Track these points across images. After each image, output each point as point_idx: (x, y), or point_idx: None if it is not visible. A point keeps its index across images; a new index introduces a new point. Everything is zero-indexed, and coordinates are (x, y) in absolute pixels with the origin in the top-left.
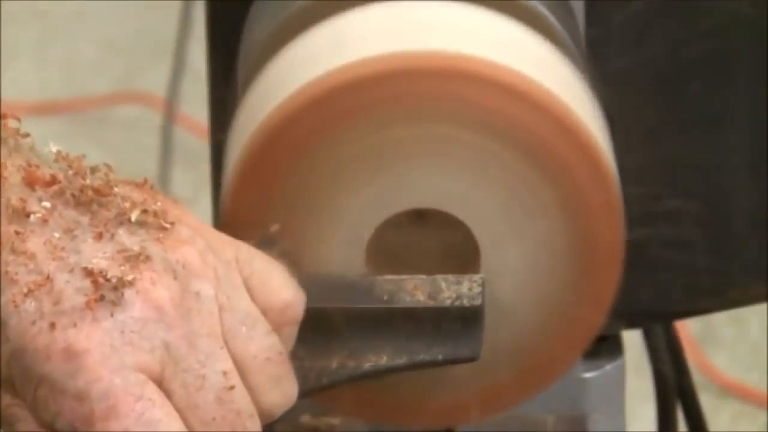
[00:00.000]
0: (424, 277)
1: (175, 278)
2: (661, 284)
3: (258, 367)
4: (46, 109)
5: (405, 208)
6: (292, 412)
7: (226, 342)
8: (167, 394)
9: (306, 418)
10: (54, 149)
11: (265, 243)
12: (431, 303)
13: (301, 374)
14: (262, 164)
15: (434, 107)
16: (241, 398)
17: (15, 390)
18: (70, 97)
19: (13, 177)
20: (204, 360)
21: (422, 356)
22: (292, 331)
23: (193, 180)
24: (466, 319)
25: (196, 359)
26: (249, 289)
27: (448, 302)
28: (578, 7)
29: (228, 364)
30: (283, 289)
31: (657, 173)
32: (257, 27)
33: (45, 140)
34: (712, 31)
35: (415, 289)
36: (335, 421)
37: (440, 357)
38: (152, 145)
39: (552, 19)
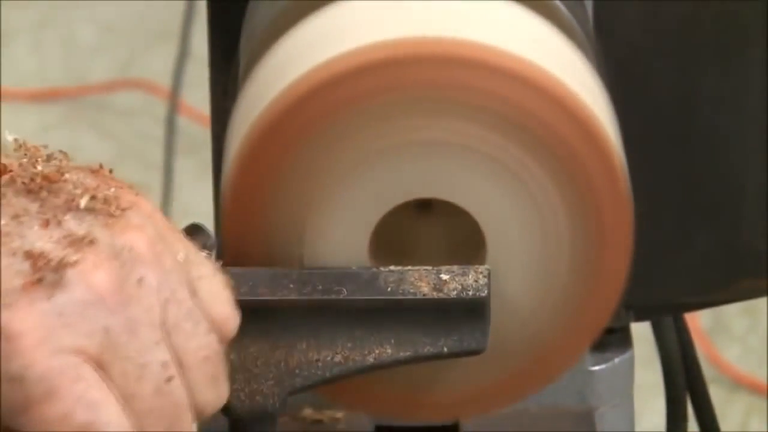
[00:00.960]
0: (429, 268)
1: (120, 264)
2: (670, 276)
3: (197, 365)
4: (47, 96)
5: (410, 198)
6: (294, 406)
7: (168, 335)
8: (105, 381)
9: (309, 412)
10: (11, 138)
11: None
12: (436, 295)
13: (306, 367)
14: (263, 152)
15: (439, 95)
16: (178, 390)
17: None
18: (70, 83)
19: None
20: (143, 349)
21: (427, 349)
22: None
23: (193, 167)
24: (471, 311)
25: (136, 348)
26: (193, 290)
27: (453, 294)
28: None
29: (167, 356)
30: (226, 304)
31: (666, 164)
32: (259, 14)
33: (46, 128)
34: (722, 17)
35: (420, 281)
36: (339, 414)
37: (445, 349)
38: (153, 132)
39: (560, 5)
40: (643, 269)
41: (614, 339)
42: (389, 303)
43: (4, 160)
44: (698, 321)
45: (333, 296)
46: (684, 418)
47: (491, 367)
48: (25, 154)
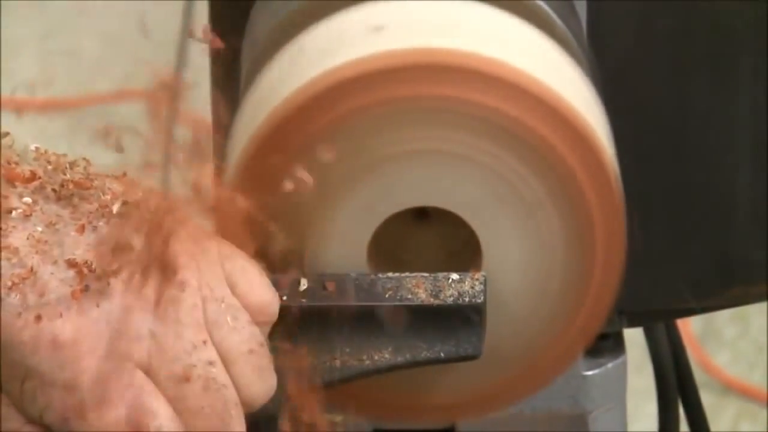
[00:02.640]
0: (426, 275)
1: (159, 268)
2: (662, 282)
3: (242, 358)
4: (50, 107)
5: (407, 206)
6: (294, 410)
7: (210, 333)
8: (155, 383)
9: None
10: (33, 147)
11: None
12: (433, 301)
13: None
14: (263, 162)
15: (436, 105)
16: (226, 388)
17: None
18: (73, 93)
19: None
20: (189, 350)
21: (424, 354)
22: (265, 331)
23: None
24: (468, 317)
25: (182, 349)
26: (230, 284)
27: (450, 300)
28: (580, 5)
29: (213, 354)
30: (264, 288)
31: (658, 173)
32: (259, 26)
33: (48, 137)
34: (713, 26)
35: (417, 287)
36: (337, 418)
37: (442, 354)
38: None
39: (554, 16)
40: (636, 276)
41: (607, 344)
42: (387, 309)
43: (26, 168)
44: (689, 327)
45: (332, 303)
46: (676, 422)
47: (487, 371)
48: (48, 162)
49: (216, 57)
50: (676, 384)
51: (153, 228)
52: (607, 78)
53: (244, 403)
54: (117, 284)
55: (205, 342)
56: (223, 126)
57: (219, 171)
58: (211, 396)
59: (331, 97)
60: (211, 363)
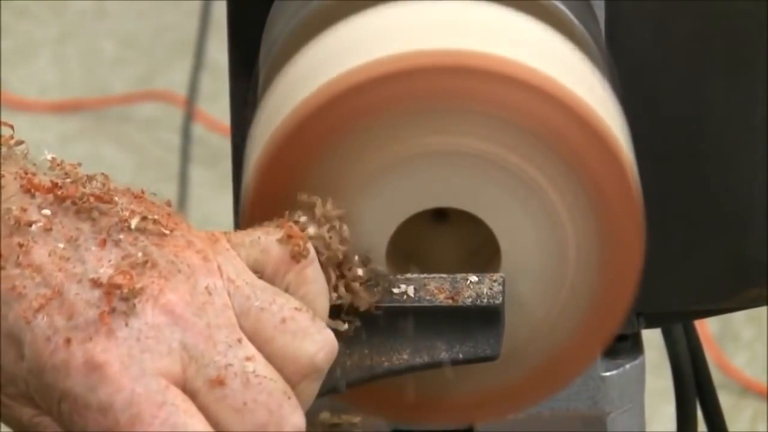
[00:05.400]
0: (444, 276)
1: (184, 278)
2: (680, 284)
3: (277, 331)
4: (68, 107)
5: (426, 207)
6: (312, 411)
7: (241, 325)
8: (193, 393)
9: (326, 416)
10: (49, 156)
11: None
12: (452, 302)
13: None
14: (282, 162)
15: (456, 105)
16: (268, 379)
17: (34, 403)
18: (91, 95)
19: (11, 186)
20: (224, 351)
21: (443, 355)
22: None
23: (212, 178)
24: (486, 319)
25: (217, 351)
26: (250, 266)
27: (468, 301)
28: (599, 6)
29: (249, 350)
30: (288, 250)
31: (676, 175)
32: (278, 26)
33: (65, 138)
34: (731, 28)
35: (436, 288)
36: (356, 419)
37: (461, 356)
38: (174, 143)
39: (572, 17)
40: (654, 277)
41: (626, 345)
42: (406, 310)
43: (44, 178)
44: (707, 328)
45: None
46: (694, 422)
47: (505, 372)
48: (66, 174)
49: (235, 57)
50: (694, 385)
51: (169, 243)
52: (625, 79)
53: (303, 368)
54: (143, 302)
55: (240, 340)
56: (242, 127)
57: (238, 174)
58: (253, 390)
59: (352, 98)
60: (248, 359)
